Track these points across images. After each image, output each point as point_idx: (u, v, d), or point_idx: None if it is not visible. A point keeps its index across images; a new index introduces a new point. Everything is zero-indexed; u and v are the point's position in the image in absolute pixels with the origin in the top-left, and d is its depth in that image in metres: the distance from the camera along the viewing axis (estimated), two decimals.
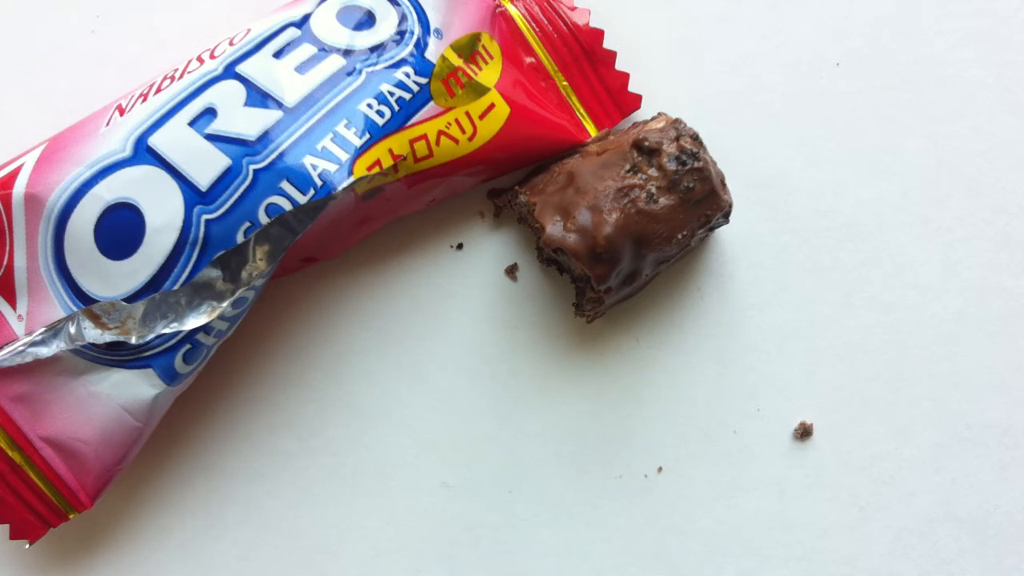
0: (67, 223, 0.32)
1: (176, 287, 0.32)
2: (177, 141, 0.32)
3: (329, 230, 0.35)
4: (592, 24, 0.38)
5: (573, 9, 0.37)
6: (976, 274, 0.38)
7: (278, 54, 0.34)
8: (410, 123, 0.34)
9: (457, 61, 0.35)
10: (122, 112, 0.33)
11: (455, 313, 0.38)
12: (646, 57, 0.39)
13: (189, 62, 0.34)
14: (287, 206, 0.32)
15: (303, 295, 0.38)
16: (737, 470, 0.37)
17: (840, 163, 0.38)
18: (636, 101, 0.38)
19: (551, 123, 0.36)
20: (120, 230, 0.32)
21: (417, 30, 0.35)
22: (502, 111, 0.35)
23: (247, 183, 0.32)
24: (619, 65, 0.38)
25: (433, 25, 0.35)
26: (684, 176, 0.34)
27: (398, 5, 0.35)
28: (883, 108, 0.39)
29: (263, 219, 0.32)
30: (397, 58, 0.34)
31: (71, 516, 0.34)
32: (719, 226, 0.36)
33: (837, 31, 0.39)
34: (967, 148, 0.39)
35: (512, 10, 0.37)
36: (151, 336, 0.32)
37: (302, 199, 0.32)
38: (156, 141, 0.32)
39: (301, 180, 0.32)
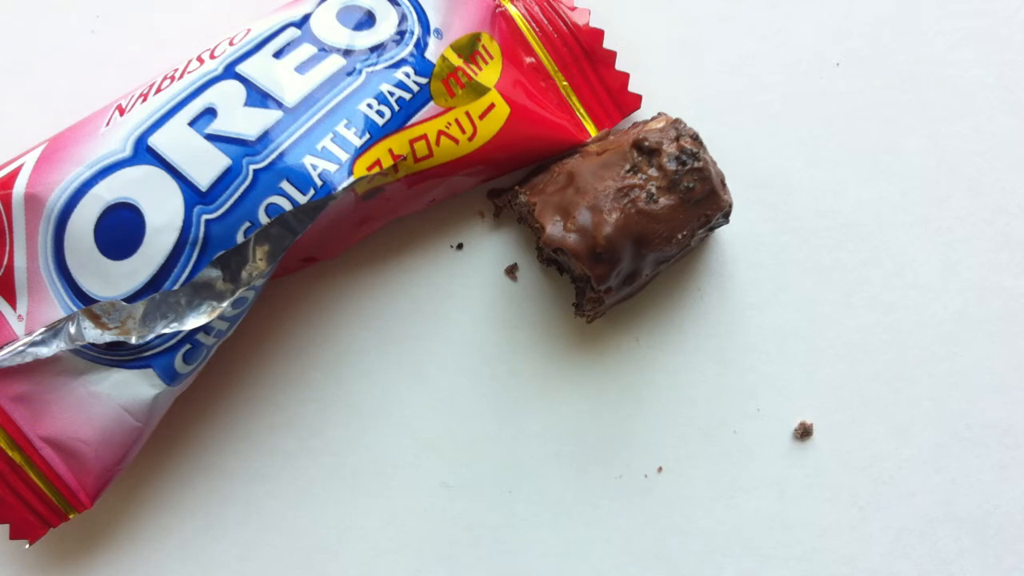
0: (67, 223, 0.32)
1: (176, 287, 0.32)
2: (177, 141, 0.32)
3: (329, 230, 0.35)
4: (592, 24, 0.38)
5: (573, 9, 0.37)
6: (976, 274, 0.38)
7: (278, 54, 0.34)
8: (410, 123, 0.34)
9: (457, 61, 0.35)
10: (122, 112, 0.33)
11: (455, 313, 0.38)
12: (646, 57, 0.39)
13: (189, 62, 0.34)
14: (287, 206, 0.32)
15: (303, 295, 0.38)
16: (737, 470, 0.37)
17: (840, 163, 0.38)
18: (636, 101, 0.38)
19: (551, 123, 0.36)
20: (120, 230, 0.32)
21: (417, 30, 0.35)
22: (502, 111, 0.35)
23: (247, 183, 0.32)
24: (619, 65, 0.38)
25: (433, 25, 0.35)
26: (684, 176, 0.34)
27: (398, 5, 0.35)
28: (883, 108, 0.39)
29: (263, 219, 0.32)
30: (397, 58, 0.34)
31: (71, 516, 0.34)
32: (719, 226, 0.36)
33: (837, 31, 0.39)
34: (967, 148, 0.39)
35: (512, 10, 0.37)
36: (151, 336, 0.32)
37: (302, 199, 0.32)
38: (156, 141, 0.32)
39: (301, 180, 0.32)
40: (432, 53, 0.35)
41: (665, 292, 0.38)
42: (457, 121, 0.35)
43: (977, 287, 0.38)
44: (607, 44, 0.38)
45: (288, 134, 0.32)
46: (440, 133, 0.35)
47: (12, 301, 0.32)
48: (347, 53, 0.34)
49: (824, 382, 0.38)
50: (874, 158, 0.38)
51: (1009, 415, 0.37)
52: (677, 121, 0.35)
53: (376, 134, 0.33)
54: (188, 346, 0.33)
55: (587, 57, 0.37)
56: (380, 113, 0.34)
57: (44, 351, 0.32)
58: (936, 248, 0.38)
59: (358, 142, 0.33)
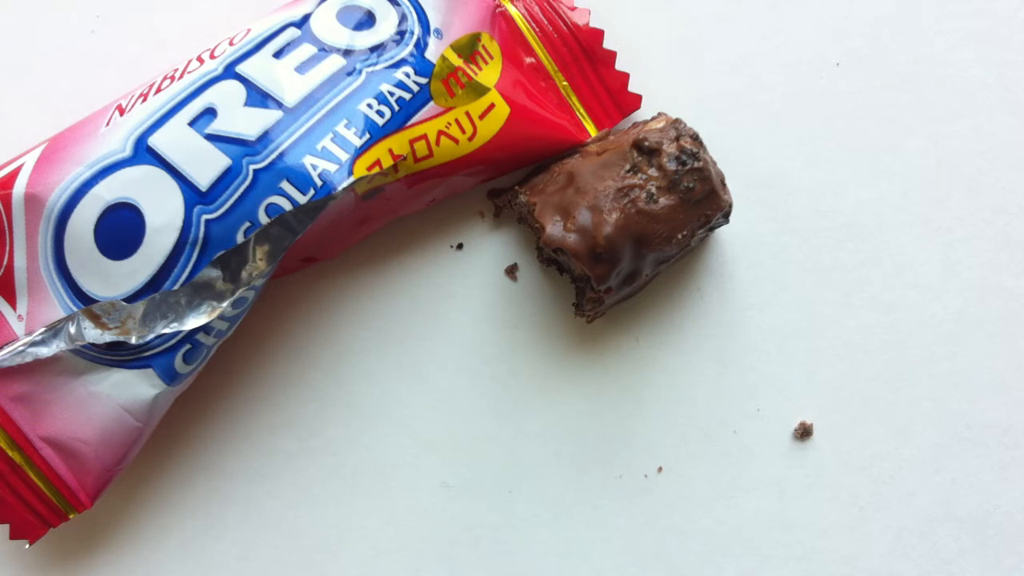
0: (67, 223, 0.32)
1: (176, 287, 0.32)
2: (177, 141, 0.32)
3: (329, 230, 0.35)
4: (592, 24, 0.38)
5: (573, 9, 0.37)
6: (976, 274, 0.38)
7: (278, 54, 0.34)
8: (410, 123, 0.34)
9: (457, 61, 0.35)
10: (122, 112, 0.33)
11: (455, 313, 0.38)
12: (646, 57, 0.39)
13: (189, 62, 0.34)
14: (287, 206, 0.32)
15: (303, 295, 0.38)
16: (737, 470, 0.37)
17: (840, 163, 0.38)
18: (636, 101, 0.38)
19: (551, 123, 0.36)
20: (120, 230, 0.32)
21: (417, 30, 0.35)
22: (502, 111, 0.35)
23: (247, 183, 0.32)
24: (619, 65, 0.38)
25: (433, 25, 0.35)
26: (684, 176, 0.34)
27: (398, 5, 0.35)
28: (883, 108, 0.39)
29: (263, 219, 0.32)
30: (397, 58, 0.34)
31: (71, 516, 0.34)
32: (719, 226, 0.36)
33: (837, 31, 0.39)
34: (967, 148, 0.39)
35: (512, 10, 0.37)
36: (151, 336, 0.32)
37: (302, 199, 0.32)
38: (156, 141, 0.32)
39: (301, 180, 0.32)
40: (432, 53, 0.35)
41: (665, 292, 0.38)
42: (457, 121, 0.35)
43: (977, 287, 0.38)
44: (607, 44, 0.38)
45: (288, 134, 0.32)
46: (440, 133, 0.35)
47: (12, 301, 0.32)
48: (347, 53, 0.34)
49: (824, 382, 0.38)
50: (874, 158, 0.38)
51: (1009, 415, 0.37)
52: (677, 121, 0.35)
53: (376, 134, 0.33)
54: (188, 346, 0.33)
55: (587, 57, 0.37)
56: (380, 113, 0.34)
57: (44, 351, 0.32)
58: (936, 248, 0.38)
59: (358, 142, 0.33)
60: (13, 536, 0.34)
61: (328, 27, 0.34)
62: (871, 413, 0.38)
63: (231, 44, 0.34)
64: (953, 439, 0.37)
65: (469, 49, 0.35)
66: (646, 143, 0.34)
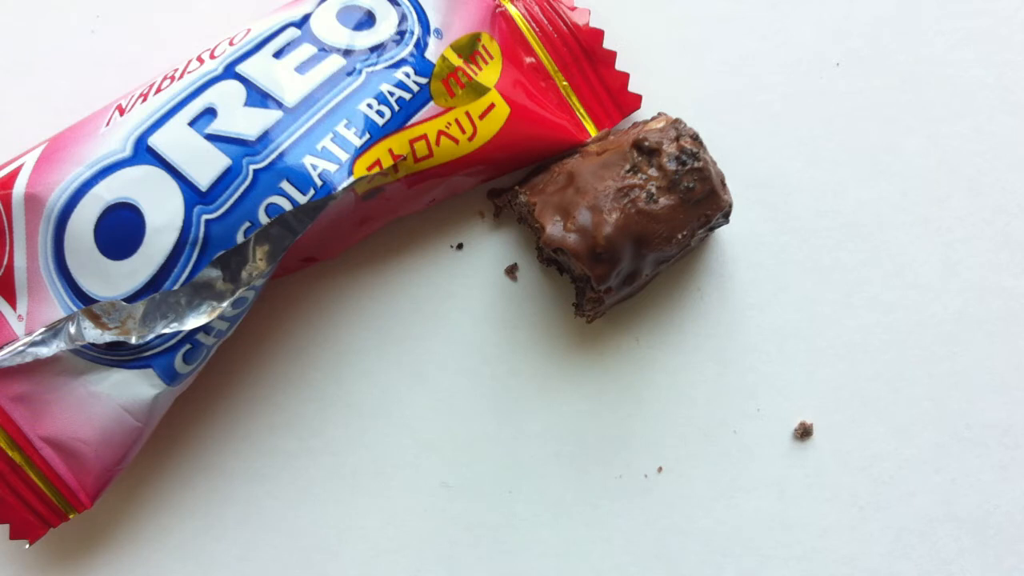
0: (67, 223, 0.32)
1: (176, 287, 0.32)
2: (177, 141, 0.32)
3: (329, 230, 0.35)
4: (592, 24, 0.38)
5: (573, 9, 0.37)
6: (976, 274, 0.38)
7: (278, 54, 0.34)
8: (410, 123, 0.34)
9: (457, 61, 0.35)
10: (122, 112, 0.33)
11: (455, 313, 0.38)
12: (646, 57, 0.39)
13: (189, 62, 0.34)
14: (287, 206, 0.32)
15: (303, 295, 0.38)
16: (737, 470, 0.37)
17: (840, 163, 0.38)
18: (636, 101, 0.38)
19: (551, 123, 0.36)
20: (120, 230, 0.32)
21: (417, 30, 0.35)
22: (502, 111, 0.35)
23: (247, 183, 0.32)
24: (619, 65, 0.38)
25: (433, 25, 0.35)
26: (684, 176, 0.34)
27: (398, 5, 0.35)
28: (883, 108, 0.39)
29: (263, 219, 0.32)
30: (397, 58, 0.34)
31: (71, 516, 0.34)
32: (719, 226, 0.36)
33: (837, 31, 0.39)
34: (967, 148, 0.39)
35: (512, 10, 0.37)
36: (151, 336, 0.32)
37: (302, 199, 0.32)
38: (156, 141, 0.32)
39: (301, 180, 0.32)
40: (432, 53, 0.35)
41: (665, 292, 0.38)
42: (457, 121, 0.35)
43: (977, 287, 0.38)
44: (607, 44, 0.38)
45: (288, 134, 0.32)
46: (440, 133, 0.35)
47: (12, 301, 0.32)
48: (347, 53, 0.34)
49: (824, 382, 0.38)
50: (874, 158, 0.38)
51: (1009, 415, 0.37)
52: (677, 121, 0.35)
53: (376, 134, 0.33)
54: (188, 346, 0.33)
55: (587, 57, 0.37)
56: (380, 113, 0.34)
57: (44, 351, 0.32)
58: (936, 248, 0.38)
59: (358, 142, 0.33)
60: (13, 536, 0.34)
61: (328, 27, 0.34)
62: (871, 413, 0.38)
63: (231, 44, 0.34)
64: (953, 439, 0.37)
65: (469, 49, 0.35)
66: (646, 143, 0.34)
